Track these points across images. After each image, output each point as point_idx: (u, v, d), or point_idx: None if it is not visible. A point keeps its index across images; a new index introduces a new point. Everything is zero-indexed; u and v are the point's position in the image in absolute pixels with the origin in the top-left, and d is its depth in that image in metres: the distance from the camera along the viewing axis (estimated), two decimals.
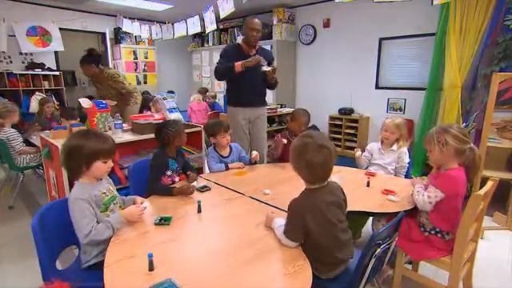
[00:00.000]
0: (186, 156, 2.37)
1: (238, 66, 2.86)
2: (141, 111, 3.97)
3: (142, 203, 1.68)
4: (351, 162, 2.62)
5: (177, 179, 2.15)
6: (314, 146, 1.33)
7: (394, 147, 2.49)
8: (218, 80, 3.26)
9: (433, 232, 1.77)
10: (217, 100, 6.24)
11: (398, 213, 1.55)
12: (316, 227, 1.34)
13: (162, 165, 2.07)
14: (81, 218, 1.42)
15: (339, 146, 5.61)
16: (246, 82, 3.00)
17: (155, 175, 2.02)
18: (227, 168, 2.44)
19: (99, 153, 1.47)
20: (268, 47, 6.03)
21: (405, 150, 2.48)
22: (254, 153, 2.52)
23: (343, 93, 5.59)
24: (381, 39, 5.06)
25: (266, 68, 2.84)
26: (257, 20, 3.00)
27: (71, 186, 2.33)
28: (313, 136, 1.37)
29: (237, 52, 3.06)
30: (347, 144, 5.47)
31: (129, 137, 2.59)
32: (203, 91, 6.06)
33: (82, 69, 3.66)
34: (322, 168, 1.35)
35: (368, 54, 5.22)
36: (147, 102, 4.93)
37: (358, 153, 2.59)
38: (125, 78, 3.84)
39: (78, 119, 3.45)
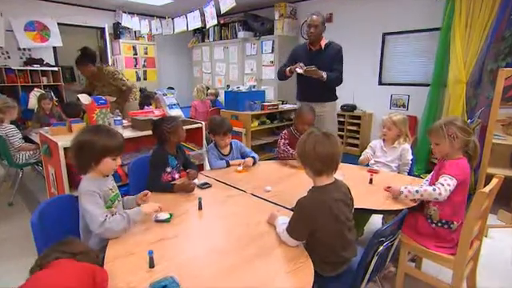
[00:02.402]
0: (186, 153, 2.37)
1: (287, 71, 3.17)
2: (141, 107, 3.97)
3: (146, 195, 1.71)
4: (353, 160, 2.62)
5: (177, 176, 2.15)
6: (320, 136, 1.40)
7: (396, 144, 2.48)
8: (280, 81, 3.45)
9: (439, 224, 1.78)
10: (218, 98, 6.18)
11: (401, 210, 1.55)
12: (324, 226, 1.34)
13: (161, 161, 2.08)
14: (94, 207, 1.42)
15: (341, 143, 5.57)
16: (306, 79, 3.08)
17: (155, 172, 2.03)
18: (228, 165, 2.44)
19: (109, 150, 1.48)
20: (269, 42, 6.02)
21: (407, 146, 2.47)
22: (246, 160, 2.48)
23: (346, 89, 5.54)
24: (384, 34, 5.03)
25: (299, 70, 3.01)
26: (314, 16, 3.08)
27: (71, 183, 2.36)
28: (317, 129, 1.48)
29: (302, 50, 3.28)
30: (349, 141, 5.46)
31: (129, 133, 2.59)
32: (205, 89, 6.01)
33: (79, 70, 3.63)
34: (332, 156, 1.38)
35: (371, 50, 5.19)
36: (148, 99, 4.93)
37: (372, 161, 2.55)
38: (123, 75, 3.84)
39: (82, 115, 3.44)
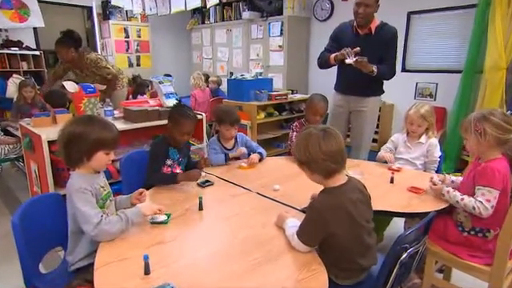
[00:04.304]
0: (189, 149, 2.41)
1: (331, 58, 2.93)
2: (135, 97, 3.99)
3: (141, 193, 1.72)
4: (372, 156, 2.61)
5: (178, 170, 2.17)
6: (321, 134, 1.38)
7: (423, 139, 2.45)
8: (321, 69, 3.22)
9: (472, 232, 1.76)
10: (220, 86, 6.17)
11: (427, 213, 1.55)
12: (340, 231, 1.34)
13: (161, 152, 2.11)
14: (88, 206, 1.43)
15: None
16: (347, 68, 2.85)
17: (154, 163, 2.06)
18: (227, 159, 2.44)
19: (103, 143, 1.49)
20: (278, 24, 5.99)
21: (435, 141, 2.44)
22: (252, 156, 2.49)
23: None
24: (409, 13, 4.98)
25: (348, 61, 2.76)
26: None
27: (56, 180, 2.39)
28: (312, 127, 1.45)
29: (348, 32, 3.03)
30: None
31: (121, 125, 2.61)
32: (204, 77, 6.02)
33: (57, 52, 3.59)
34: (341, 151, 1.38)
35: None
36: (142, 87, 4.95)
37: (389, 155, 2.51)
38: (107, 61, 3.83)
39: (68, 105, 3.45)
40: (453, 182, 2.00)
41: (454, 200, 1.75)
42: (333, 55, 2.91)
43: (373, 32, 2.91)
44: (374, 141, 5.28)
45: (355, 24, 2.95)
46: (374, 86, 3.05)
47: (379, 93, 3.15)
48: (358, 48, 2.71)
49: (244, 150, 2.51)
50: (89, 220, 1.40)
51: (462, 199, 1.72)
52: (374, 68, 2.78)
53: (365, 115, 3.07)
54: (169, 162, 2.14)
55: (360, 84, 2.96)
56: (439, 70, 4.80)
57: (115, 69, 3.86)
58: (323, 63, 3.08)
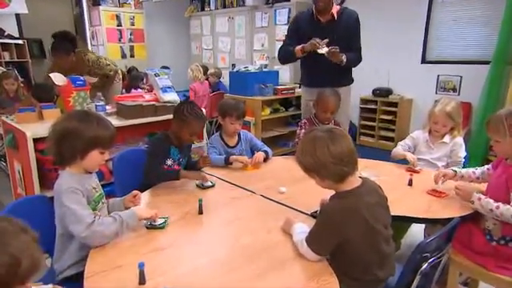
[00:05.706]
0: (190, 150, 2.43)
1: (298, 50, 2.96)
2: (129, 91, 4.00)
3: (135, 196, 1.74)
4: (387, 156, 2.60)
5: None
6: (326, 135, 1.37)
7: (447, 139, 2.43)
8: (283, 64, 3.27)
9: (502, 242, 1.73)
10: (221, 79, 6.18)
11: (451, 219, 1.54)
12: (355, 237, 1.34)
13: (161, 151, 2.12)
14: (80, 207, 1.44)
15: (372, 136, 5.57)
16: (312, 59, 2.93)
17: (154, 161, 2.07)
18: (227, 162, 2.42)
19: (100, 141, 1.50)
20: (284, 11, 5.99)
21: (460, 140, 2.42)
22: (256, 155, 2.49)
23: (379, 69, 5.52)
24: None
25: (321, 51, 2.80)
26: None
27: (42, 181, 2.40)
28: (317, 129, 1.48)
29: (308, 20, 3.07)
30: (382, 133, 5.45)
31: (114, 122, 2.59)
32: (202, 70, 6.03)
33: (56, 59, 3.52)
34: (353, 152, 1.38)
35: (413, 19, 5.13)
36: (137, 81, 4.98)
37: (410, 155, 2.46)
38: (105, 58, 3.82)
39: (55, 99, 3.46)
40: (462, 177, 1.99)
41: (487, 208, 1.68)
42: (299, 47, 2.94)
43: (335, 17, 2.96)
44: (390, 139, 5.32)
45: (315, 11, 2.98)
46: (344, 75, 3.13)
47: (350, 82, 3.23)
48: (327, 39, 2.76)
49: (261, 159, 2.47)
50: (80, 220, 1.40)
51: (498, 207, 1.65)
52: (344, 58, 2.84)
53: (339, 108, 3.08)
54: (169, 161, 2.15)
55: (329, 74, 2.98)
56: (464, 62, 4.79)
57: (112, 61, 3.86)
58: (287, 57, 3.16)
